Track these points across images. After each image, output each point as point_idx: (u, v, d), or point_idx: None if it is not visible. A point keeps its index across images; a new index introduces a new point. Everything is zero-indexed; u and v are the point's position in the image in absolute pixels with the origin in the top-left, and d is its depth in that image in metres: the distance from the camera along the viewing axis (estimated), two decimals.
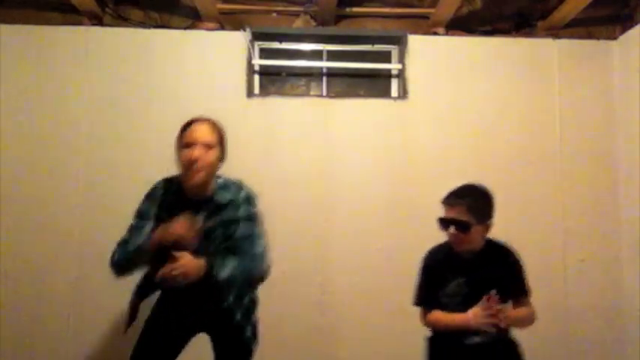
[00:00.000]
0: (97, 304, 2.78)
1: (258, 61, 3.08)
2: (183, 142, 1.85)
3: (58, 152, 2.86)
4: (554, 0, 2.99)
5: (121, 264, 1.89)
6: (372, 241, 2.89)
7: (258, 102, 2.91)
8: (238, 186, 1.93)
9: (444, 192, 2.79)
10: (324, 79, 3.17)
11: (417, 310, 2.76)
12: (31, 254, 2.79)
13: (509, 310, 1.87)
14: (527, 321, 1.92)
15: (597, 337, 2.91)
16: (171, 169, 2.86)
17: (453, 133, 2.98)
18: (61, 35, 2.94)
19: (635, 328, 2.83)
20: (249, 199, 1.90)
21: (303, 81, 3.18)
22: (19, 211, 2.81)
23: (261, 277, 1.87)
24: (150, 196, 1.96)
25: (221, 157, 1.89)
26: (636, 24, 2.91)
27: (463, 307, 1.84)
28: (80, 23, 2.97)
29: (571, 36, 3.09)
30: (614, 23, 3.12)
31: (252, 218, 1.86)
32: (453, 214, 1.86)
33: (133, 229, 1.89)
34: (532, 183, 2.98)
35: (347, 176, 2.93)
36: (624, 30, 3.04)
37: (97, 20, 2.99)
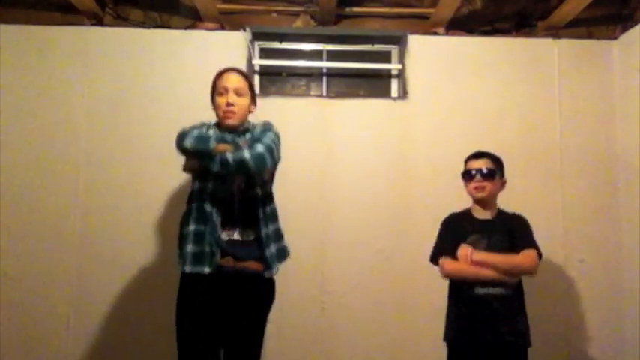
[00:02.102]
0: (97, 304, 2.78)
1: (258, 61, 3.08)
2: (217, 89, 2.09)
3: (58, 152, 2.86)
4: (554, 0, 2.99)
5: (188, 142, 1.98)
6: (372, 241, 2.89)
7: (258, 102, 2.91)
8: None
9: (444, 192, 2.81)
10: (324, 79, 3.17)
11: (416, 311, 2.77)
12: (31, 254, 2.79)
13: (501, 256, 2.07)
14: (525, 264, 2.08)
15: (597, 337, 2.91)
16: (172, 169, 2.88)
17: (453, 133, 2.98)
18: (61, 35, 2.94)
19: (635, 328, 2.83)
20: (268, 123, 2.13)
21: (303, 81, 3.18)
22: (19, 211, 2.81)
23: (254, 168, 1.94)
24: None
25: (252, 102, 2.13)
26: (636, 24, 2.91)
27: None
28: (80, 23, 2.97)
29: (571, 36, 3.09)
30: (614, 23, 3.12)
31: (266, 128, 2.08)
32: (479, 165, 2.19)
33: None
34: (532, 183, 2.97)
35: (347, 176, 2.93)
36: (624, 30, 3.04)
37: (97, 20, 2.99)
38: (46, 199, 2.82)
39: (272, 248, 2.03)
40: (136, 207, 2.85)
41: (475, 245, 2.12)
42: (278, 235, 2.10)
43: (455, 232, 2.21)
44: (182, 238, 2.02)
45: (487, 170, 2.18)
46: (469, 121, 2.99)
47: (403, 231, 2.90)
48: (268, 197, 2.10)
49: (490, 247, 2.11)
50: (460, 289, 2.15)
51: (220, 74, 2.12)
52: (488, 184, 2.17)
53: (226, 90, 2.06)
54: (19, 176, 2.84)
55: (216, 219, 1.96)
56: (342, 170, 2.93)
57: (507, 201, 2.91)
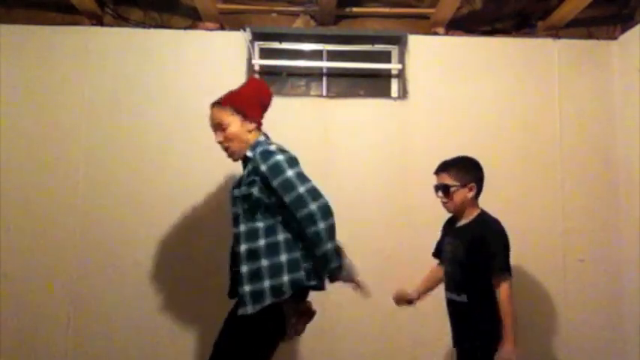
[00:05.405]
0: (97, 304, 2.78)
1: (258, 61, 3.08)
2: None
3: (58, 152, 2.86)
4: (554, 0, 2.99)
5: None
6: (372, 241, 2.89)
7: None
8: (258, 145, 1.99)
9: None
10: (324, 79, 3.17)
11: (416, 311, 2.79)
12: (31, 254, 2.79)
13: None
14: (504, 309, 1.99)
15: (597, 337, 2.91)
16: (171, 168, 2.88)
17: (452, 133, 2.98)
18: (61, 35, 2.94)
19: (635, 328, 2.83)
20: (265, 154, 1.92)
21: (303, 81, 3.18)
22: (19, 211, 2.81)
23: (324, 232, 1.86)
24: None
25: (244, 121, 1.99)
26: (636, 24, 2.91)
27: (451, 261, 2.17)
28: (80, 23, 2.97)
29: (571, 36, 3.09)
30: (614, 23, 3.12)
31: (273, 166, 1.88)
32: (437, 181, 2.20)
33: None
34: (532, 183, 2.98)
35: (347, 176, 2.92)
36: (624, 30, 3.04)
37: (97, 20, 2.99)
38: (46, 199, 2.82)
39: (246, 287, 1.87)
40: (136, 207, 2.85)
41: (447, 255, 2.22)
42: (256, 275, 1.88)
43: (442, 234, 2.31)
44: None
45: (442, 186, 2.17)
46: (469, 121, 2.99)
47: (403, 231, 2.90)
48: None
49: (454, 255, 2.15)
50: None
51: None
52: (448, 200, 2.16)
53: (213, 129, 2.01)
54: (19, 176, 2.83)
55: None
56: (342, 170, 2.93)
57: (508, 201, 2.92)
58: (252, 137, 2.00)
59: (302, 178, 1.88)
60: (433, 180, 2.96)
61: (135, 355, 2.77)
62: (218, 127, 1.98)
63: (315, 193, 1.86)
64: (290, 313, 1.87)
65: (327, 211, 1.87)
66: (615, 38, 3.08)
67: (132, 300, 2.79)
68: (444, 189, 2.15)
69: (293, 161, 1.92)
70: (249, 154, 1.95)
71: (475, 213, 2.16)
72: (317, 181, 2.96)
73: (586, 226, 2.95)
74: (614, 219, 2.97)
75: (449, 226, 2.28)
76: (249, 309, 1.83)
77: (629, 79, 2.92)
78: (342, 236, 2.86)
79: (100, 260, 2.81)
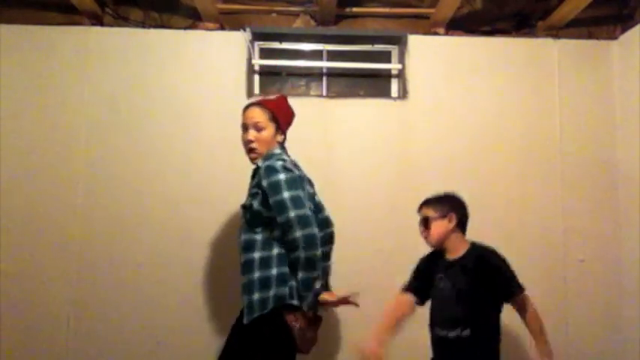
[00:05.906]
0: (97, 304, 2.78)
1: (258, 61, 3.08)
2: (242, 125, 2.10)
3: (58, 152, 2.86)
4: (554, 0, 2.99)
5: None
6: (372, 241, 2.89)
7: None
8: (269, 157, 2.01)
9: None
10: (324, 79, 3.17)
11: (415, 312, 2.79)
12: (31, 254, 2.79)
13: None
14: (536, 322, 2.04)
15: (597, 337, 2.91)
16: (171, 169, 2.88)
17: (453, 133, 2.98)
18: (61, 35, 2.93)
19: (635, 328, 2.83)
20: (268, 169, 1.94)
21: (303, 81, 3.18)
22: (19, 211, 2.81)
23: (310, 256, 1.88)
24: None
25: (277, 132, 2.10)
26: (636, 24, 2.91)
27: (447, 298, 2.10)
28: (80, 23, 2.97)
29: (571, 36, 3.09)
30: (614, 23, 3.12)
31: (273, 184, 1.91)
32: (420, 216, 2.20)
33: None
34: (532, 183, 2.98)
35: (347, 176, 2.93)
36: (624, 30, 3.04)
37: (97, 20, 2.99)
38: (46, 199, 2.82)
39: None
40: (136, 207, 2.85)
41: (442, 291, 2.14)
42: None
43: (426, 271, 2.24)
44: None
45: (423, 219, 2.18)
46: (469, 121, 2.99)
47: (403, 231, 2.89)
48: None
49: (455, 291, 2.08)
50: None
51: (243, 111, 2.10)
52: (428, 232, 2.16)
53: (246, 127, 2.06)
54: (19, 176, 2.83)
55: None
56: (341, 170, 2.93)
57: (508, 201, 2.92)
58: (273, 148, 2.07)
59: (296, 202, 1.88)
60: (434, 179, 2.99)
61: (135, 355, 2.77)
62: (254, 126, 2.04)
63: (304, 221, 1.86)
64: (293, 325, 1.90)
65: (310, 241, 1.86)
66: (615, 38, 3.08)
67: (132, 300, 2.79)
68: (424, 222, 2.17)
69: (295, 182, 1.92)
70: (260, 163, 1.98)
71: (466, 245, 2.14)
72: (316, 181, 2.97)
73: (586, 226, 2.95)
74: (614, 219, 2.97)
75: (434, 262, 2.22)
76: (245, 319, 1.90)
77: (629, 79, 2.92)
78: (342, 236, 2.88)
79: (100, 260, 2.81)
